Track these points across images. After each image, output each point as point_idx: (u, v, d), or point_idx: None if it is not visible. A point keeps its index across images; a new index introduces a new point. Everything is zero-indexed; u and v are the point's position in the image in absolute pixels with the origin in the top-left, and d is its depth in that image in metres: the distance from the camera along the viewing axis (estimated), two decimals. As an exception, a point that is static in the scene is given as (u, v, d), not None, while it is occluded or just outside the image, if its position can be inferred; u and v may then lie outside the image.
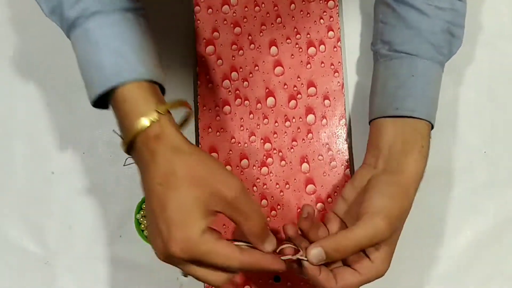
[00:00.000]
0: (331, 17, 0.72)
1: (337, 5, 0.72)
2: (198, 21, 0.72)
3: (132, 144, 0.52)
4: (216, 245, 0.50)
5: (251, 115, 0.70)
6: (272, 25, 0.72)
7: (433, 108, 0.61)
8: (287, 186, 0.69)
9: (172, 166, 0.50)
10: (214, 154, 0.70)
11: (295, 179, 0.69)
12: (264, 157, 0.70)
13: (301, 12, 0.72)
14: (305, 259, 0.54)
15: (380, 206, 0.55)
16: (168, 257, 0.50)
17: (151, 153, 0.50)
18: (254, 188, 0.69)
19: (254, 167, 0.69)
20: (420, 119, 0.60)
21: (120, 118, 0.52)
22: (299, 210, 0.69)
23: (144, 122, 0.50)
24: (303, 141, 0.70)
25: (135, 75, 0.51)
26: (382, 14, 0.65)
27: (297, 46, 0.71)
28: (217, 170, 0.51)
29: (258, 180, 0.69)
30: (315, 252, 0.53)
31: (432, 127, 0.61)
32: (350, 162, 0.70)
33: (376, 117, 0.62)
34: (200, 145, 0.70)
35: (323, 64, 0.71)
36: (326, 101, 0.70)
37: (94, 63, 0.52)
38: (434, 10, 0.61)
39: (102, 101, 0.53)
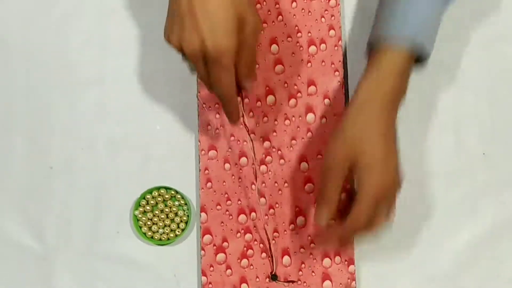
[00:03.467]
0: (332, 15, 0.71)
1: (338, 4, 0.72)
2: (199, 18, 0.71)
3: None
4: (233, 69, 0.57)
5: (251, 113, 0.70)
6: (273, 23, 0.71)
7: (415, 27, 0.61)
8: (286, 184, 0.69)
9: None
10: (213, 152, 0.70)
11: (294, 177, 0.69)
12: (263, 155, 0.70)
13: (303, 10, 0.72)
14: None
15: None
16: (197, 52, 0.56)
17: None
18: (253, 186, 0.69)
19: (253, 165, 0.69)
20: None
21: None
22: (297, 209, 0.69)
23: None
24: (303, 140, 0.70)
25: None
26: None
27: (297, 44, 0.71)
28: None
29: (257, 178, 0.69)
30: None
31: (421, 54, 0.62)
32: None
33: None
34: (199, 142, 0.70)
35: (323, 63, 0.71)
36: (326, 100, 0.70)
37: None
38: None
39: None
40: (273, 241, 0.68)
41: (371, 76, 0.61)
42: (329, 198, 0.61)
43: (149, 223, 0.70)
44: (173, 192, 0.70)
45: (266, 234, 0.68)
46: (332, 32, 0.71)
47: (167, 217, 0.70)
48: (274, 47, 0.71)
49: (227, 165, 0.69)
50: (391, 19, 0.62)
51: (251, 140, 0.67)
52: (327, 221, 0.61)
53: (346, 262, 0.68)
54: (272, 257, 0.68)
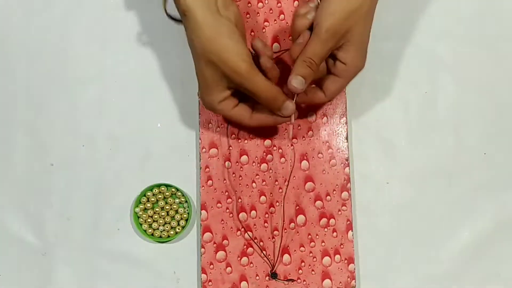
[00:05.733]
0: (334, 14, 0.71)
1: (340, 3, 0.72)
2: (201, 16, 0.71)
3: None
4: (230, 112, 0.63)
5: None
6: (275, 22, 0.71)
7: None
8: (286, 183, 0.69)
9: (191, 42, 0.59)
10: (214, 150, 0.70)
11: (294, 176, 0.69)
12: (264, 153, 0.70)
13: (304, 9, 0.71)
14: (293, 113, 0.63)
15: (328, 7, 0.59)
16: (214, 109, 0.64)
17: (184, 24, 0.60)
18: (253, 184, 0.69)
19: (254, 164, 0.69)
20: None
21: None
22: (297, 207, 0.69)
23: None
24: (303, 138, 0.70)
25: None
26: None
27: (299, 43, 0.71)
28: (229, 46, 0.58)
29: (257, 177, 0.69)
30: (296, 81, 0.61)
31: None
32: (350, 161, 0.70)
33: None
34: (200, 140, 0.70)
35: (325, 62, 0.71)
36: (327, 99, 0.70)
37: None
38: None
39: None
40: (273, 240, 0.68)
41: None
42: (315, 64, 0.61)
43: (149, 220, 0.70)
44: (173, 190, 0.70)
45: (265, 233, 0.68)
46: (333, 31, 0.71)
47: (168, 215, 0.70)
48: (275, 45, 0.71)
49: (227, 163, 0.69)
50: None
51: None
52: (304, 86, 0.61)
53: (346, 261, 0.68)
54: (272, 255, 0.68)
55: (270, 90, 0.61)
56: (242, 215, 0.69)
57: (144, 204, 0.70)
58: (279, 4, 0.72)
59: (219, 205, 0.69)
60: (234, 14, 0.61)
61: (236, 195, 0.69)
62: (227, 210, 0.69)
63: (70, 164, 0.71)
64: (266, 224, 0.68)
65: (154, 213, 0.70)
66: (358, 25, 0.60)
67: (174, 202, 0.70)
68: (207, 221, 0.69)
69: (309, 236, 0.68)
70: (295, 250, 0.68)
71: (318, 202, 0.69)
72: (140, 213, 0.70)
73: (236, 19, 0.61)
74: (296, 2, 0.72)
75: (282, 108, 0.62)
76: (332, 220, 0.68)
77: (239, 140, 0.70)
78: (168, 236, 0.69)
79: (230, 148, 0.70)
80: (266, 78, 0.61)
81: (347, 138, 0.70)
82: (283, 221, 0.68)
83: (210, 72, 0.60)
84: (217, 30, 0.58)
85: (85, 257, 0.70)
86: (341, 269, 0.68)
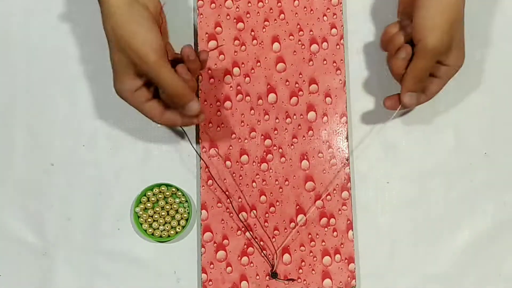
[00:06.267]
0: (334, 14, 0.71)
1: (340, 3, 0.72)
2: (201, 16, 0.72)
3: None
4: (143, 105, 0.62)
5: (252, 111, 0.70)
6: (275, 21, 0.72)
7: None
8: (287, 182, 0.69)
9: (105, 28, 0.59)
10: (214, 149, 0.70)
11: (294, 176, 0.69)
12: (264, 153, 0.70)
13: (305, 9, 0.72)
14: None
15: (427, 22, 0.59)
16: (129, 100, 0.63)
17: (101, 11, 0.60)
18: (254, 184, 0.69)
19: (254, 163, 0.69)
20: None
21: None
22: (298, 207, 0.69)
23: None
24: (304, 138, 0.70)
25: None
26: None
27: (299, 42, 0.71)
28: (138, 33, 0.58)
29: (257, 176, 0.69)
30: (409, 98, 0.63)
31: None
32: (350, 160, 0.70)
33: None
34: (200, 140, 0.70)
35: (325, 62, 0.71)
36: (328, 99, 0.70)
37: None
38: None
39: None
40: (274, 239, 0.68)
41: None
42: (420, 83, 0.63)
43: (149, 220, 0.70)
44: (174, 189, 0.70)
45: (266, 232, 0.68)
46: (334, 30, 0.71)
47: (168, 214, 0.70)
48: (276, 45, 0.71)
49: (228, 163, 0.69)
50: None
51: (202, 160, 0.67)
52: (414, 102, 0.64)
53: (346, 261, 0.68)
54: (272, 255, 0.68)
55: (177, 85, 0.60)
56: (242, 215, 0.69)
57: (144, 203, 0.70)
58: (279, 4, 0.72)
59: (219, 204, 0.69)
60: (153, 2, 0.61)
61: (236, 195, 0.69)
62: (228, 210, 0.69)
63: (70, 164, 0.71)
64: (266, 223, 0.68)
65: (155, 212, 0.70)
66: (459, 30, 0.61)
67: (175, 202, 0.70)
68: (207, 221, 0.69)
69: (310, 236, 0.68)
70: (295, 250, 0.68)
71: (318, 202, 0.69)
72: (140, 212, 0.70)
73: (154, 8, 0.61)
74: (296, 2, 0.72)
75: (186, 107, 0.61)
76: (332, 220, 0.68)
77: (239, 140, 0.70)
78: (169, 236, 0.69)
79: (230, 147, 0.70)
80: (175, 73, 0.60)
81: (347, 138, 0.70)
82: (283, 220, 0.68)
83: (120, 59, 0.59)
84: (129, 16, 0.58)
85: (85, 257, 0.70)
86: (342, 268, 0.68)
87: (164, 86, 0.60)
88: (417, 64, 0.61)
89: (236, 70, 0.71)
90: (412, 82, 0.62)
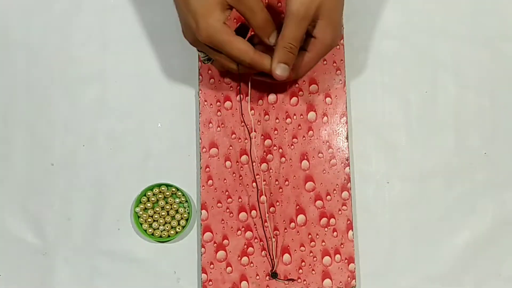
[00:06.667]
0: (334, 14, 0.71)
1: (340, 3, 0.72)
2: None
3: None
4: (234, 38, 0.59)
5: (252, 111, 0.70)
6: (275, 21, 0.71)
7: None
8: (287, 182, 0.69)
9: None
10: (214, 149, 0.70)
11: (294, 176, 0.69)
12: (264, 153, 0.70)
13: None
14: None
15: None
16: (197, 44, 0.60)
17: None
18: (254, 184, 0.69)
19: (254, 163, 0.69)
20: None
21: None
22: (298, 207, 0.69)
23: None
24: (304, 138, 0.70)
25: None
26: None
27: (299, 43, 0.71)
28: None
29: (257, 176, 0.69)
30: (280, 69, 0.61)
31: None
32: (350, 161, 0.70)
33: None
34: (200, 140, 0.70)
35: (325, 62, 0.71)
36: (328, 99, 0.70)
37: None
38: None
39: None
40: (274, 239, 0.68)
41: None
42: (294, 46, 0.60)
43: (149, 220, 0.70)
44: (174, 189, 0.70)
45: (265, 232, 0.68)
46: (334, 31, 0.71)
47: (168, 214, 0.70)
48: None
49: (228, 163, 0.69)
50: None
51: (251, 139, 0.67)
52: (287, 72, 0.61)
53: (346, 261, 0.68)
54: (272, 255, 0.68)
55: (266, 13, 0.60)
56: (243, 214, 0.69)
57: (145, 203, 0.70)
58: (279, 4, 0.72)
59: (219, 204, 0.69)
60: None
61: (236, 195, 0.69)
62: (228, 210, 0.69)
63: (70, 164, 0.71)
64: (266, 224, 0.68)
65: (155, 212, 0.70)
66: (327, 1, 0.60)
67: (175, 202, 0.70)
68: (207, 221, 0.69)
69: (310, 236, 0.68)
70: (295, 250, 0.68)
71: (319, 202, 0.69)
72: (141, 212, 0.70)
73: None
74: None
75: (270, 36, 0.61)
76: (332, 220, 0.68)
77: (239, 140, 0.70)
78: (169, 236, 0.69)
79: (230, 147, 0.70)
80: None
81: (347, 138, 0.70)
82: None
83: None
84: None
85: (85, 256, 0.70)
86: (342, 268, 0.68)
87: (256, 10, 0.59)
88: (284, 32, 0.59)
89: (236, 70, 0.71)
90: (282, 52, 0.60)
